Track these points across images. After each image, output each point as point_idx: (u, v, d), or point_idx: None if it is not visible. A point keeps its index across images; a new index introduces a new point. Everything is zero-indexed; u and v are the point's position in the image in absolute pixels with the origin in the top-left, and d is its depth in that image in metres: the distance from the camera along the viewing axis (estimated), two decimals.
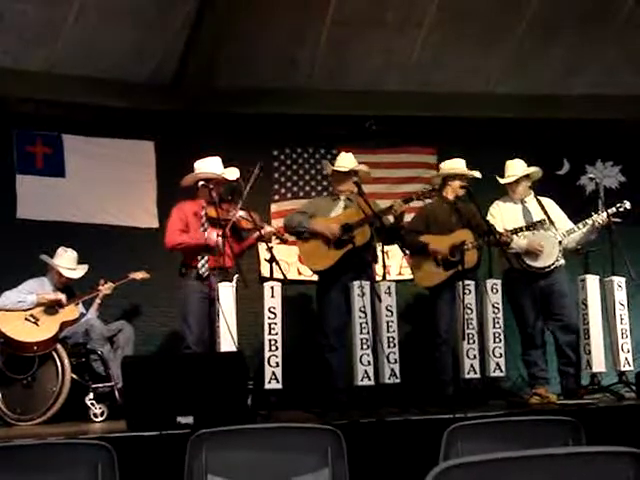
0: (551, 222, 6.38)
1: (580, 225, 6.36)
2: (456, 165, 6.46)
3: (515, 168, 6.53)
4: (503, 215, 6.49)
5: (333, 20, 7.16)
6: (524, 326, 6.41)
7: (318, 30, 7.24)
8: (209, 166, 6.12)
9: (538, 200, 6.55)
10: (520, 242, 6.28)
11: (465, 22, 7.34)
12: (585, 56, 7.73)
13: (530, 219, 6.38)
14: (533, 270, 6.30)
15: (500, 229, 6.24)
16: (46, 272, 6.43)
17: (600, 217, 6.31)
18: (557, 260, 6.31)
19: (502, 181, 6.51)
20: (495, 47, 7.59)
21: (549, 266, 6.29)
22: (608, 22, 7.52)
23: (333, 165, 6.42)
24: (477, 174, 6.41)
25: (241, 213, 5.96)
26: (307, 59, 7.47)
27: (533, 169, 6.55)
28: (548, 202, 6.60)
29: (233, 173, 6.12)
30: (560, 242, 6.31)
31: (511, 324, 6.43)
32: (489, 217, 6.47)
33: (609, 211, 6.33)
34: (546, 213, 6.43)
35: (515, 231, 6.17)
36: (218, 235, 5.81)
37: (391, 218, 6.14)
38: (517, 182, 6.50)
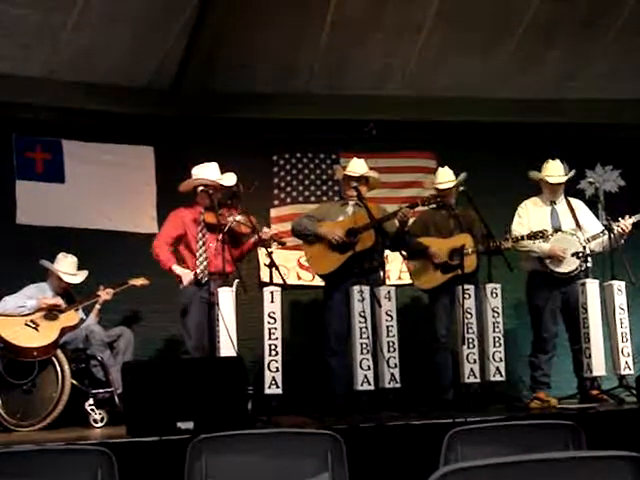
0: (578, 225, 6.37)
1: (606, 231, 6.34)
2: (437, 178, 6.50)
3: (559, 169, 6.48)
4: (530, 217, 6.47)
5: (332, 24, 7.16)
6: (539, 329, 6.39)
7: (317, 35, 7.25)
8: (206, 172, 6.14)
9: (568, 202, 6.55)
10: (543, 246, 6.27)
11: (464, 26, 7.34)
12: (584, 60, 7.74)
13: (557, 222, 6.38)
14: (556, 275, 6.30)
15: (526, 231, 6.23)
16: (46, 278, 6.42)
17: (623, 224, 6.27)
18: (580, 265, 6.27)
19: (551, 181, 6.42)
20: (494, 51, 7.59)
21: (572, 271, 6.27)
22: (607, 26, 7.52)
23: (345, 170, 6.45)
24: (444, 186, 6.38)
25: (239, 218, 5.96)
26: (306, 64, 7.47)
27: (571, 173, 6.56)
28: (578, 204, 6.60)
29: (230, 179, 6.13)
30: (584, 247, 6.25)
31: (511, 328, 6.42)
32: (516, 217, 6.49)
33: (634, 218, 6.31)
34: (575, 216, 6.43)
35: (516, 239, 6.17)
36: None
37: (397, 223, 6.15)
38: (559, 187, 6.46)
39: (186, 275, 5.99)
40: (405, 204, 6.28)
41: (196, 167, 6.17)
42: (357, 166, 6.40)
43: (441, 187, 6.40)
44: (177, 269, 6.03)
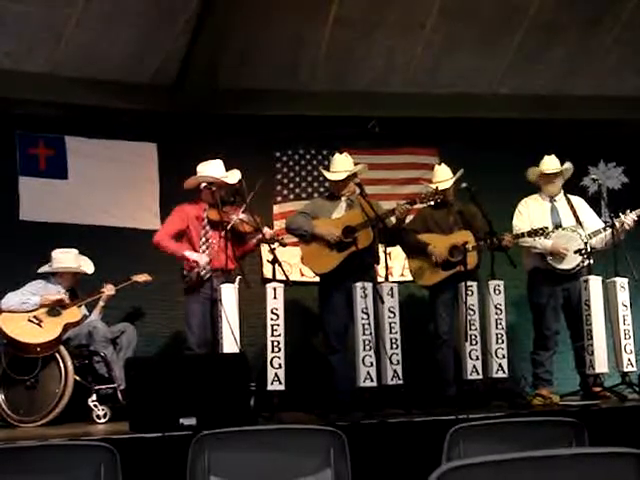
0: (579, 222, 6.37)
1: (607, 227, 6.32)
2: (436, 177, 6.51)
3: (554, 161, 6.50)
4: (531, 214, 6.48)
5: (335, 21, 7.15)
6: (540, 326, 6.40)
7: (320, 31, 7.24)
8: (211, 169, 6.14)
9: (568, 199, 6.55)
10: (545, 243, 6.27)
11: (467, 23, 7.33)
12: (587, 56, 7.72)
13: (557, 219, 6.39)
14: (558, 272, 6.29)
15: (527, 227, 6.23)
16: (51, 275, 6.43)
17: (627, 219, 6.27)
18: (582, 262, 6.26)
19: (548, 171, 6.44)
20: (497, 48, 7.58)
21: (574, 268, 6.28)
22: (610, 23, 7.50)
23: (328, 170, 6.41)
24: (443, 185, 6.36)
25: (242, 216, 5.95)
26: (309, 60, 7.46)
27: (568, 165, 6.54)
28: (578, 201, 6.60)
29: (235, 176, 6.13)
30: (586, 244, 6.24)
31: (513, 325, 6.41)
32: (516, 214, 6.51)
33: (635, 213, 6.30)
34: (575, 213, 6.43)
35: (517, 236, 6.17)
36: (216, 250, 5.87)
37: (394, 220, 6.13)
38: (555, 178, 6.46)
39: (201, 258, 5.97)
40: (403, 201, 6.27)
41: (201, 164, 6.18)
42: (340, 166, 6.27)
43: (441, 187, 6.36)
44: (191, 255, 6.01)
